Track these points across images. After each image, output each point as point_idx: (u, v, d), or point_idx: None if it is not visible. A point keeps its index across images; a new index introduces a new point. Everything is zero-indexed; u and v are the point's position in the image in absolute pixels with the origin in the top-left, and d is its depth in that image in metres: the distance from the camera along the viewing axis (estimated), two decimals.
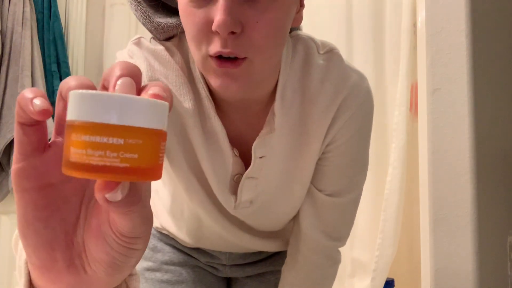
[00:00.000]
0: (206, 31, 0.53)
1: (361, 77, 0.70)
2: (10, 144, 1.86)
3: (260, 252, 0.89)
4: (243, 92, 0.57)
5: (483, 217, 0.99)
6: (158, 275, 0.84)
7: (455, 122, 1.01)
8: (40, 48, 1.97)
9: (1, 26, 1.87)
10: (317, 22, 1.81)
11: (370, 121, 0.72)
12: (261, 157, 0.66)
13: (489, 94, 1.07)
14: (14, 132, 0.40)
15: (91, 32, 2.30)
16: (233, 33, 0.52)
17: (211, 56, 0.54)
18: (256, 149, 0.65)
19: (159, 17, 0.65)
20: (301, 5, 0.64)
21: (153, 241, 0.87)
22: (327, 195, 0.72)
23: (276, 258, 0.90)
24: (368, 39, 1.70)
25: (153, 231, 0.88)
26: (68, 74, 2.04)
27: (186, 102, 0.64)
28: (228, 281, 0.95)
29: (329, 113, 0.66)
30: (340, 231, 0.77)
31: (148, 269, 0.85)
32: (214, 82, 0.56)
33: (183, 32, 0.60)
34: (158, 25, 0.64)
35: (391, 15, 1.66)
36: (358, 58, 1.71)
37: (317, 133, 0.67)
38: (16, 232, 0.39)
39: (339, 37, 1.74)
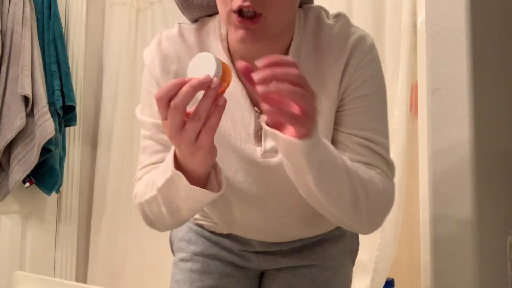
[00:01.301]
0: None
1: (366, 33, 0.80)
2: (10, 144, 1.86)
3: (291, 242, 0.90)
4: (258, 43, 0.70)
5: (483, 217, 0.99)
6: (189, 264, 0.90)
7: (455, 122, 1.01)
8: (40, 48, 1.97)
9: (1, 26, 1.87)
10: None
11: (380, 68, 0.79)
12: None
13: (489, 94, 1.07)
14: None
15: (91, 32, 2.30)
16: None
17: (234, 11, 0.68)
18: None
19: None
20: None
21: (189, 234, 0.93)
22: (355, 136, 0.75)
23: (309, 252, 0.90)
24: None
25: (190, 224, 0.95)
26: (68, 74, 2.04)
27: None
28: (260, 280, 0.96)
29: (341, 59, 0.75)
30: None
31: (182, 260, 0.92)
32: (235, 34, 0.69)
33: (206, 16, 0.82)
34: (184, 2, 0.80)
35: (391, 15, 1.66)
36: None
37: (333, 79, 0.75)
38: None
39: None
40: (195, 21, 0.84)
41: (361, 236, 1.68)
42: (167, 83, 0.60)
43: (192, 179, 0.66)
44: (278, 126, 0.62)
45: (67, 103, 2.00)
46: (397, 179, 1.51)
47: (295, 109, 0.58)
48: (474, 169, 0.99)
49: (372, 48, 0.78)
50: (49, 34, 2.01)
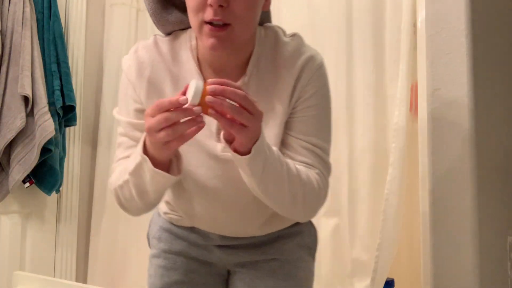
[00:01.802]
0: (203, 4, 0.79)
1: (317, 52, 0.92)
2: (10, 144, 1.86)
3: (250, 237, 0.98)
4: (225, 51, 0.82)
5: (483, 217, 0.99)
6: (158, 260, 1.00)
7: (455, 122, 1.01)
8: (40, 48, 1.97)
9: (1, 26, 1.87)
10: (317, 22, 1.80)
11: (326, 84, 0.91)
12: None
13: (489, 94, 1.07)
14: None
15: (91, 32, 2.30)
16: (221, 6, 0.78)
17: (205, 22, 0.79)
18: None
19: (163, 14, 0.92)
20: None
21: (159, 232, 1.03)
22: (301, 140, 0.88)
23: (268, 247, 0.98)
24: (368, 39, 1.70)
25: (161, 223, 1.04)
26: (68, 74, 2.04)
27: (172, 75, 0.90)
28: (227, 280, 1.03)
29: (294, 74, 0.87)
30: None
31: (153, 256, 1.02)
32: (207, 42, 0.80)
33: (179, 30, 0.93)
34: (159, 20, 0.92)
35: (391, 15, 1.66)
36: (358, 58, 1.71)
37: (286, 89, 0.87)
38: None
39: (339, 37, 1.74)
40: (168, 34, 0.94)
41: (361, 236, 1.69)
42: (172, 98, 0.71)
43: (156, 164, 0.78)
44: (232, 138, 0.75)
45: (67, 103, 2.00)
46: (397, 179, 1.52)
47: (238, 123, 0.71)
48: (474, 169, 0.99)
49: (320, 66, 0.90)
50: (49, 34, 2.01)
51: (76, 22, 2.22)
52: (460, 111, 1.00)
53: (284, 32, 0.93)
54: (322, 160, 0.88)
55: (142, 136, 0.80)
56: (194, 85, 0.69)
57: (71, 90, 2.03)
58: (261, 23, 0.92)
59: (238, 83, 0.83)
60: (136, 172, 0.81)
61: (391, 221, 1.52)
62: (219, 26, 0.79)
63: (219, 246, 0.99)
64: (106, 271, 2.16)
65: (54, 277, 2.10)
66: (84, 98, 2.24)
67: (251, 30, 0.85)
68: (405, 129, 1.53)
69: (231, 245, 0.98)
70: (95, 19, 2.32)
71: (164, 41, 0.92)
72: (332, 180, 1.70)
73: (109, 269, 2.16)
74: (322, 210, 1.72)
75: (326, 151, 0.90)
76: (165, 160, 0.80)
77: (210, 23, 0.79)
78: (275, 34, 0.91)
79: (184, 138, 0.73)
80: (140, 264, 2.09)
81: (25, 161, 1.84)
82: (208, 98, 0.68)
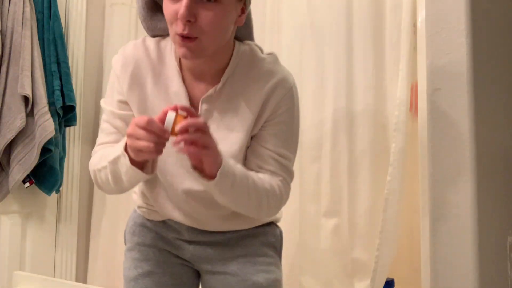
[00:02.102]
0: (175, 17, 0.87)
1: (289, 73, 1.01)
2: (10, 144, 1.86)
3: (217, 233, 1.06)
4: (196, 59, 0.92)
5: (483, 217, 0.99)
6: (132, 253, 1.08)
7: (455, 122, 1.01)
8: (40, 48, 1.97)
9: (1, 26, 1.87)
10: (317, 22, 1.81)
11: (296, 103, 1.01)
12: (206, 109, 0.98)
13: (489, 94, 1.07)
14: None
15: (91, 32, 2.30)
16: (189, 21, 0.86)
17: (177, 34, 0.88)
18: (203, 102, 0.98)
19: (153, 21, 1.02)
20: (243, 12, 0.95)
21: (133, 227, 1.11)
22: (270, 151, 0.99)
23: (235, 245, 1.06)
24: (368, 39, 1.70)
25: (136, 218, 1.13)
26: (68, 74, 2.04)
27: (155, 72, 1.00)
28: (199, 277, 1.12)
29: (266, 91, 0.97)
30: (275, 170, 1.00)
31: (128, 249, 1.10)
32: (179, 50, 0.90)
33: (167, 35, 0.99)
34: (148, 26, 1.03)
35: (391, 15, 1.66)
36: (358, 58, 1.72)
37: (253, 105, 0.97)
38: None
39: (339, 37, 1.74)
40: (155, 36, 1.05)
41: (361, 236, 1.69)
42: (160, 128, 0.81)
43: (133, 161, 0.88)
44: (200, 166, 0.87)
45: (67, 103, 2.00)
46: (397, 179, 1.52)
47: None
48: (474, 169, 0.99)
49: (291, 88, 0.99)
50: (49, 34, 2.01)
51: (76, 22, 2.22)
52: (460, 111, 1.00)
53: (261, 49, 1.03)
54: (286, 169, 1.00)
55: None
56: (169, 117, 0.82)
57: (71, 90, 2.03)
58: (242, 39, 1.02)
59: (211, 90, 0.97)
60: (115, 162, 0.91)
61: (391, 221, 1.52)
62: (188, 38, 0.87)
63: (189, 242, 1.07)
64: (106, 271, 2.16)
65: (54, 277, 2.10)
66: (84, 98, 2.24)
67: (219, 42, 0.93)
68: (405, 129, 1.53)
69: (200, 241, 1.06)
70: (95, 19, 2.32)
71: (152, 41, 1.02)
72: (332, 180, 1.71)
73: (109, 269, 2.16)
74: (322, 210, 1.72)
75: (291, 161, 1.02)
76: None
77: (181, 34, 0.88)
78: (252, 50, 1.01)
79: (151, 155, 0.84)
80: None
81: (25, 161, 1.84)
82: (178, 138, 0.81)
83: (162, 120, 0.81)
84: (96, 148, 1.03)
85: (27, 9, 1.91)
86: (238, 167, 0.92)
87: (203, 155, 0.85)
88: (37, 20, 1.98)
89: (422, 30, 1.41)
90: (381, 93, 1.68)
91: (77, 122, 2.13)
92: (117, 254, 2.15)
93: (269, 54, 1.02)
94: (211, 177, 0.87)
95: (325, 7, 1.79)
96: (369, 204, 1.66)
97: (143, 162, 0.90)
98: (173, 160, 0.98)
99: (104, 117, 1.04)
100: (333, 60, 1.75)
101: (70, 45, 2.20)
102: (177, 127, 0.80)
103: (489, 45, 1.08)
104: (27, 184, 1.94)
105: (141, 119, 0.81)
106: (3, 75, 1.86)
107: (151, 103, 0.99)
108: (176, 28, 0.88)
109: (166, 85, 0.99)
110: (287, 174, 1.01)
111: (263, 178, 0.96)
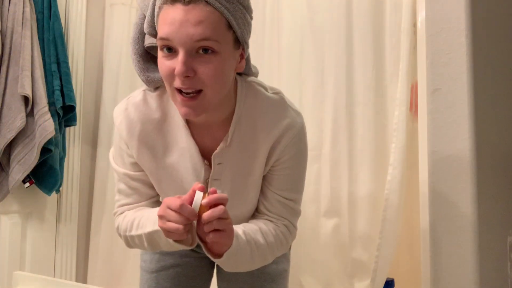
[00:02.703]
0: (171, 74, 0.82)
1: (298, 114, 0.98)
2: (10, 144, 1.86)
3: None
4: (199, 116, 0.86)
5: (483, 217, 0.99)
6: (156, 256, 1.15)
7: (455, 122, 1.01)
8: (40, 48, 1.97)
9: (1, 26, 1.87)
10: (317, 22, 1.81)
11: (304, 146, 1.00)
12: (219, 164, 0.96)
13: (489, 94, 1.07)
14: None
15: (91, 32, 2.30)
16: (188, 76, 0.81)
17: (176, 89, 0.83)
18: (215, 158, 0.96)
19: (151, 72, 0.96)
20: (242, 58, 0.91)
21: None
22: (276, 194, 1.00)
23: None
24: (368, 39, 1.70)
25: None
26: (68, 74, 2.04)
27: (162, 131, 0.97)
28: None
29: (272, 137, 0.95)
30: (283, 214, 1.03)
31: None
32: (180, 109, 0.86)
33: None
34: (148, 78, 0.96)
35: (391, 15, 1.66)
36: (358, 58, 1.72)
37: (262, 151, 0.96)
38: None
39: (339, 37, 1.74)
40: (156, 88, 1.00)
41: (361, 236, 1.69)
42: (191, 210, 0.81)
43: None
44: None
45: (67, 103, 2.00)
46: (397, 179, 1.52)
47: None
48: (474, 169, 0.99)
49: (300, 131, 0.97)
50: (49, 34, 2.01)
51: (76, 22, 2.22)
52: (460, 111, 1.00)
53: (266, 88, 0.98)
54: (292, 211, 1.02)
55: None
56: (197, 198, 0.82)
57: (71, 90, 2.03)
58: (241, 73, 0.98)
59: (221, 145, 0.95)
60: (151, 235, 0.92)
61: (391, 221, 1.52)
62: (189, 96, 0.83)
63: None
64: (106, 271, 2.16)
65: (54, 277, 2.10)
66: (84, 98, 2.24)
67: (223, 93, 0.88)
68: (405, 129, 1.53)
69: None
70: (95, 19, 2.32)
71: (153, 97, 0.98)
72: (332, 180, 1.71)
73: (109, 269, 2.16)
74: (322, 210, 1.72)
75: (298, 202, 1.03)
76: None
77: (180, 91, 0.83)
78: (256, 93, 0.97)
79: (181, 236, 0.83)
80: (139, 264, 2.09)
81: (25, 161, 1.84)
82: (205, 220, 0.80)
83: (191, 198, 0.81)
84: (117, 210, 1.04)
85: (27, 9, 1.91)
86: (242, 239, 0.92)
87: (218, 238, 0.84)
88: (37, 20, 1.98)
89: (422, 30, 1.41)
90: (381, 93, 1.68)
91: (77, 122, 2.13)
92: (117, 254, 2.15)
93: (275, 93, 0.98)
94: (218, 254, 0.88)
95: (325, 7, 1.79)
96: (369, 204, 1.66)
97: None
98: (177, 186, 0.99)
99: (117, 177, 1.03)
100: (333, 60, 1.75)
101: (70, 45, 2.20)
102: (205, 216, 0.80)
103: (489, 45, 1.08)
104: (27, 184, 1.93)
105: (174, 202, 0.80)
106: (3, 75, 1.86)
107: (163, 163, 0.98)
108: (174, 82, 0.83)
109: (176, 141, 0.97)
110: (293, 215, 1.02)
111: (267, 232, 0.97)
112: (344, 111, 1.71)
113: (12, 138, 1.82)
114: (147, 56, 0.97)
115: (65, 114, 2.03)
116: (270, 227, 0.99)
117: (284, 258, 1.16)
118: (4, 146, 1.83)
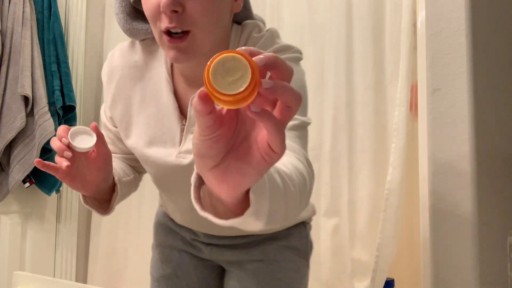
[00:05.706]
0: (157, 11, 0.72)
1: (290, 44, 0.84)
2: (10, 144, 1.86)
3: (234, 237, 0.99)
4: (189, 61, 0.75)
5: (483, 217, 0.99)
6: (155, 253, 1.07)
7: (455, 122, 1.01)
8: (40, 48, 1.97)
9: (1, 26, 1.87)
10: (317, 22, 1.81)
11: (302, 73, 0.84)
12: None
13: (489, 94, 1.07)
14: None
15: (91, 32, 2.30)
16: (175, 11, 0.70)
17: (163, 32, 0.72)
18: (192, 104, 0.81)
19: (135, 24, 0.87)
20: None
21: (156, 226, 1.09)
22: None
23: (253, 248, 0.98)
24: (368, 39, 1.70)
25: (159, 215, 1.10)
26: (68, 74, 2.04)
27: (142, 82, 0.87)
28: (223, 274, 1.06)
29: None
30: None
31: (153, 247, 1.09)
32: (168, 54, 0.74)
33: (152, 37, 0.85)
34: (132, 27, 0.87)
35: (391, 15, 1.66)
36: (358, 58, 1.72)
37: None
38: None
39: (339, 37, 1.74)
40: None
41: (361, 236, 1.69)
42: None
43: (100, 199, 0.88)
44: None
45: (67, 103, 2.00)
46: (397, 179, 1.52)
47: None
48: (474, 169, 0.99)
49: (295, 56, 0.82)
50: (49, 34, 2.01)
51: (76, 22, 2.22)
52: (460, 111, 1.00)
53: (260, 27, 0.85)
54: (302, 141, 0.75)
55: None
56: (73, 131, 0.76)
57: (71, 90, 2.03)
58: (240, 22, 0.86)
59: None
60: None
61: (391, 221, 1.52)
62: (178, 37, 0.72)
63: (206, 244, 1.02)
64: (106, 271, 2.16)
65: (54, 277, 2.10)
66: (84, 98, 2.24)
67: (216, 35, 0.77)
68: (405, 129, 1.53)
69: (216, 244, 1.01)
70: (95, 19, 2.32)
71: (141, 44, 0.90)
72: (332, 180, 1.71)
73: (109, 269, 2.16)
74: (322, 210, 1.72)
75: (305, 125, 0.78)
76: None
77: (168, 32, 0.72)
78: (250, 31, 0.83)
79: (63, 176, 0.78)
80: (139, 264, 2.09)
81: (25, 161, 1.84)
82: (266, 83, 0.39)
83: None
84: None
85: (27, 9, 1.91)
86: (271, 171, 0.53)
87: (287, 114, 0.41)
88: (37, 20, 1.98)
89: (422, 30, 1.41)
90: (381, 93, 1.68)
91: (77, 122, 2.13)
92: (117, 254, 2.15)
93: (266, 31, 0.85)
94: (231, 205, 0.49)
95: (325, 7, 1.79)
96: (369, 204, 1.66)
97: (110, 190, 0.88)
98: (177, 178, 0.86)
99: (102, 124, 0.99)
100: (333, 60, 1.75)
101: (70, 45, 2.20)
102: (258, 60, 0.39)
103: (489, 45, 1.08)
104: (27, 184, 1.94)
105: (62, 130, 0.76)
106: (3, 75, 1.86)
107: (136, 120, 0.87)
108: (161, 24, 0.72)
109: (156, 96, 0.86)
110: (303, 146, 0.75)
111: (295, 172, 0.59)
112: (344, 111, 1.71)
113: (12, 138, 1.83)
114: (131, 11, 0.88)
115: (65, 114, 2.03)
116: (296, 165, 0.62)
117: (294, 271, 0.99)
118: (4, 146, 1.83)
